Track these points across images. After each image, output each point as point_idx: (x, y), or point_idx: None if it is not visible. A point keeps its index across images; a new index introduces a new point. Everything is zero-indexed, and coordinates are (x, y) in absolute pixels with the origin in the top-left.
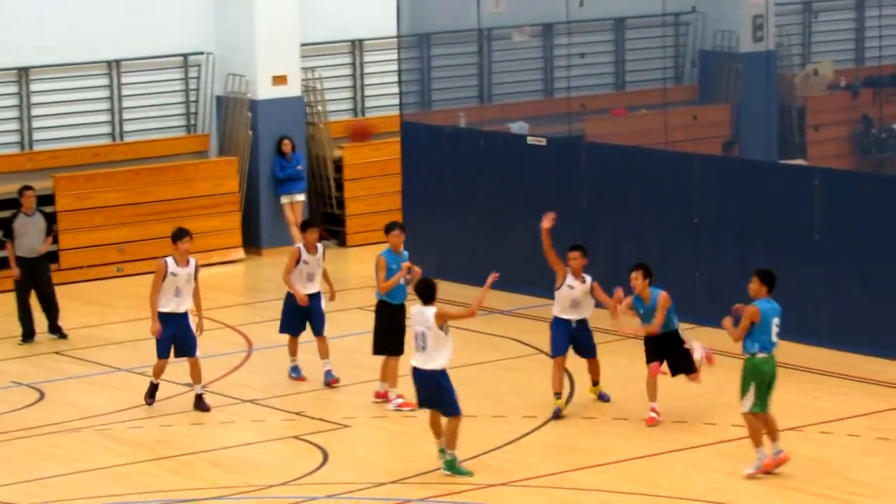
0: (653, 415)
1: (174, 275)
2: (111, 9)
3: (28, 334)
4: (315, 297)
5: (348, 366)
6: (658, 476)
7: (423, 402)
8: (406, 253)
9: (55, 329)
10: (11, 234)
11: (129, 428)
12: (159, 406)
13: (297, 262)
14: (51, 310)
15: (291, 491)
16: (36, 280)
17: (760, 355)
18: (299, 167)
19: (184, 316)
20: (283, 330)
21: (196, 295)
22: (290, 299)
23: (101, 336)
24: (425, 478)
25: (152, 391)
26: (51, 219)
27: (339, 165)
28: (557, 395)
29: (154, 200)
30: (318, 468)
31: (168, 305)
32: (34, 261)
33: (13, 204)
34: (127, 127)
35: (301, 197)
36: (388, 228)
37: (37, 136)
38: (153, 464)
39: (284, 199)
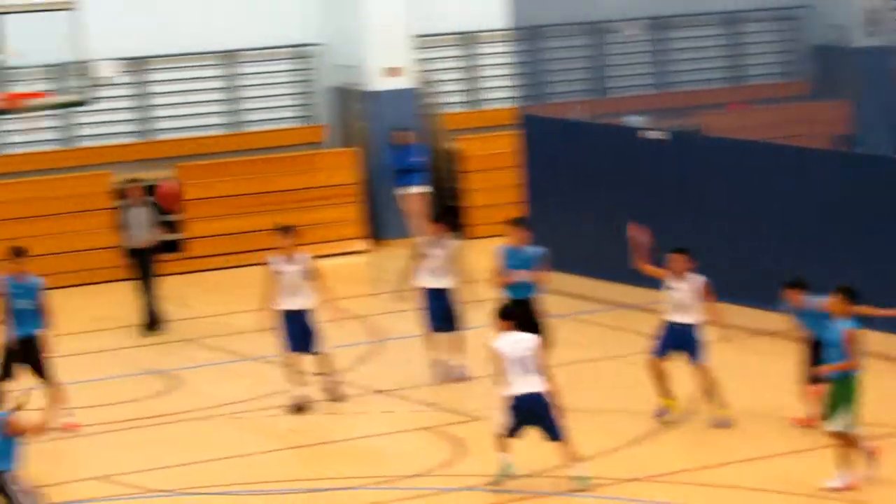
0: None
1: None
2: (228, 0)
3: (149, 325)
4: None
5: (479, 358)
6: (796, 474)
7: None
8: (537, 250)
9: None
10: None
11: (263, 416)
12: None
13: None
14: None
15: (423, 482)
16: (139, 271)
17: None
18: (418, 159)
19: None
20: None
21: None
22: (425, 296)
23: (230, 324)
24: (558, 471)
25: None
26: (156, 211)
27: (457, 157)
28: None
29: (273, 191)
30: (450, 460)
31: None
32: (139, 252)
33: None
34: (244, 117)
35: (419, 188)
36: (511, 223)
37: (158, 125)
38: (286, 452)
39: (403, 191)
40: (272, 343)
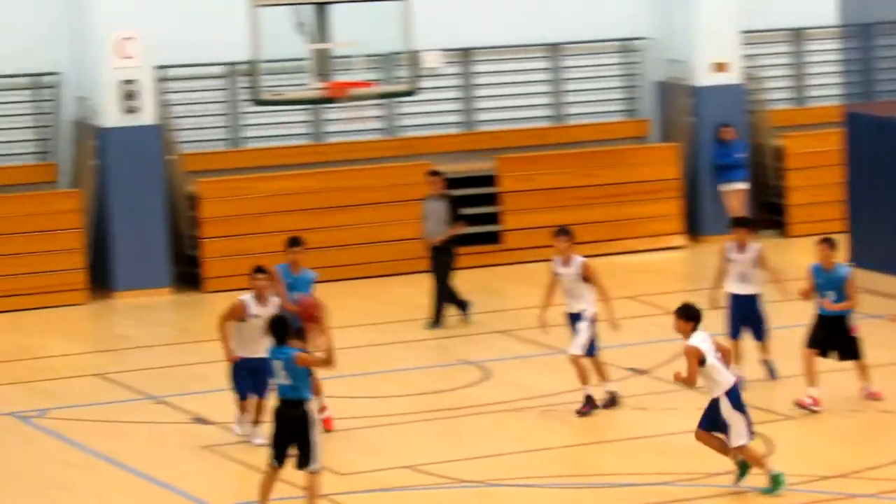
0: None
1: None
2: None
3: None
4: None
5: (795, 357)
6: None
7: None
8: (845, 269)
9: (437, 320)
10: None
11: (574, 410)
12: (601, 389)
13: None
14: (437, 298)
15: (727, 480)
16: (433, 265)
17: None
18: (740, 155)
19: None
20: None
21: None
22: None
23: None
24: (875, 473)
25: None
26: (454, 204)
27: (779, 154)
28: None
29: (595, 184)
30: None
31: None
32: (433, 246)
33: (458, 182)
34: (568, 110)
35: (742, 185)
36: (823, 242)
37: (480, 116)
38: (596, 447)
39: (725, 187)
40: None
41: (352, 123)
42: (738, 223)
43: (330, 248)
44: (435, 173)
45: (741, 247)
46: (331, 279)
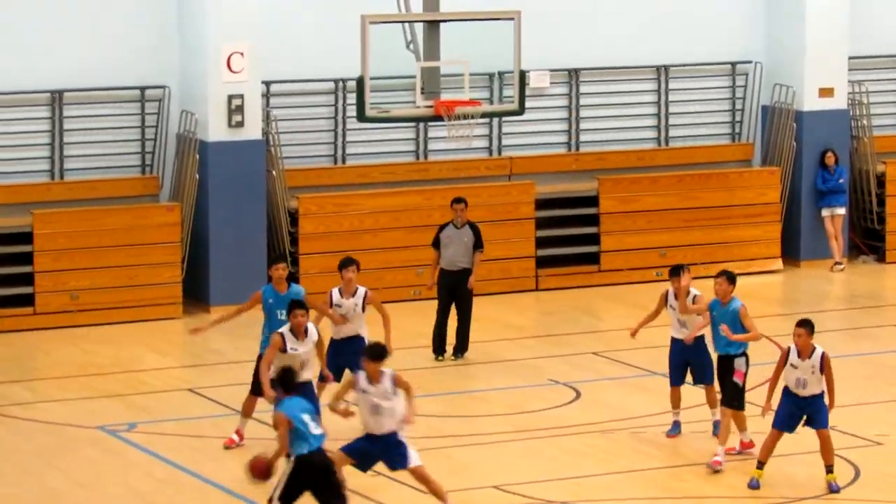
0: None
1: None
2: (661, 14)
3: (438, 349)
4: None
5: (886, 383)
6: None
7: None
8: None
9: (460, 349)
10: (438, 243)
11: (663, 432)
12: (691, 412)
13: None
14: (462, 327)
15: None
16: (455, 293)
17: None
18: (842, 180)
19: None
20: None
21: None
22: None
23: (638, 339)
24: None
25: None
26: (478, 233)
27: (881, 181)
28: None
29: (696, 207)
30: (848, 485)
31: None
32: (456, 273)
33: (559, 203)
34: (672, 133)
35: (842, 210)
36: None
37: (584, 137)
38: (685, 469)
39: (825, 212)
40: None
41: (456, 142)
42: (674, 272)
43: (429, 265)
44: (459, 200)
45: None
46: (429, 297)
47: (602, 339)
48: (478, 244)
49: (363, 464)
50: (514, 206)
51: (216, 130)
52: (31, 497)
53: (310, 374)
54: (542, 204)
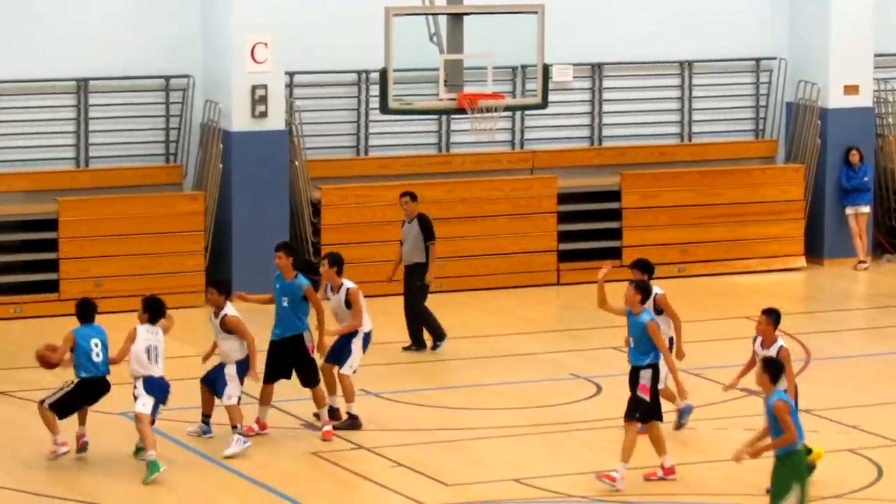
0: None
1: None
2: (686, 9)
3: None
4: None
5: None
6: None
7: None
8: None
9: (416, 342)
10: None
11: (684, 429)
12: (712, 409)
13: None
14: (410, 320)
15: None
16: (406, 287)
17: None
18: (866, 178)
19: None
20: None
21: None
22: None
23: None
24: None
25: None
26: (426, 225)
27: None
28: None
29: (719, 203)
30: (871, 484)
31: None
32: (409, 268)
33: (581, 197)
34: (695, 128)
35: (866, 209)
36: None
37: (606, 132)
38: (705, 466)
39: (849, 210)
40: (702, 355)
41: (479, 135)
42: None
43: (450, 258)
44: (405, 194)
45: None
46: (450, 290)
47: (623, 334)
48: (428, 236)
49: None
50: (536, 199)
51: (240, 120)
52: (54, 482)
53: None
54: (564, 198)
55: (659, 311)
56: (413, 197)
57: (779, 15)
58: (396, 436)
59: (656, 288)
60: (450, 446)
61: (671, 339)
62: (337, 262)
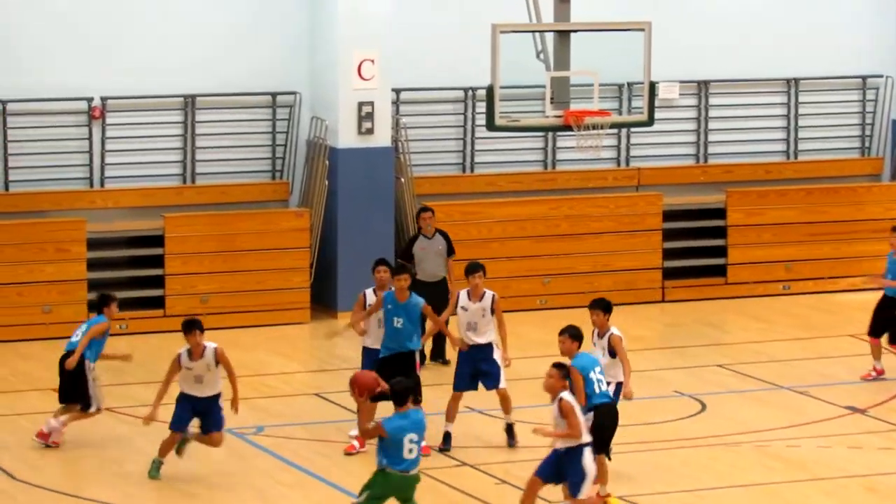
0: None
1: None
2: (792, 27)
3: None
4: None
5: None
6: None
7: None
8: None
9: (438, 355)
10: (411, 257)
11: (787, 447)
12: (816, 427)
13: None
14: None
15: None
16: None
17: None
18: None
19: None
20: None
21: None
22: None
23: (764, 352)
24: None
25: None
26: (449, 239)
27: None
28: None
29: (824, 221)
30: None
31: None
32: (432, 285)
33: (686, 215)
34: (801, 146)
35: None
36: None
37: (712, 149)
38: (807, 484)
39: None
40: (801, 372)
41: (584, 152)
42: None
43: (555, 275)
44: (426, 209)
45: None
46: (554, 307)
47: (727, 351)
48: (450, 250)
49: None
50: (641, 217)
51: (346, 137)
52: (159, 499)
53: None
54: (669, 215)
55: (612, 352)
56: (433, 212)
57: (885, 33)
58: (500, 453)
59: (613, 328)
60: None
61: (619, 384)
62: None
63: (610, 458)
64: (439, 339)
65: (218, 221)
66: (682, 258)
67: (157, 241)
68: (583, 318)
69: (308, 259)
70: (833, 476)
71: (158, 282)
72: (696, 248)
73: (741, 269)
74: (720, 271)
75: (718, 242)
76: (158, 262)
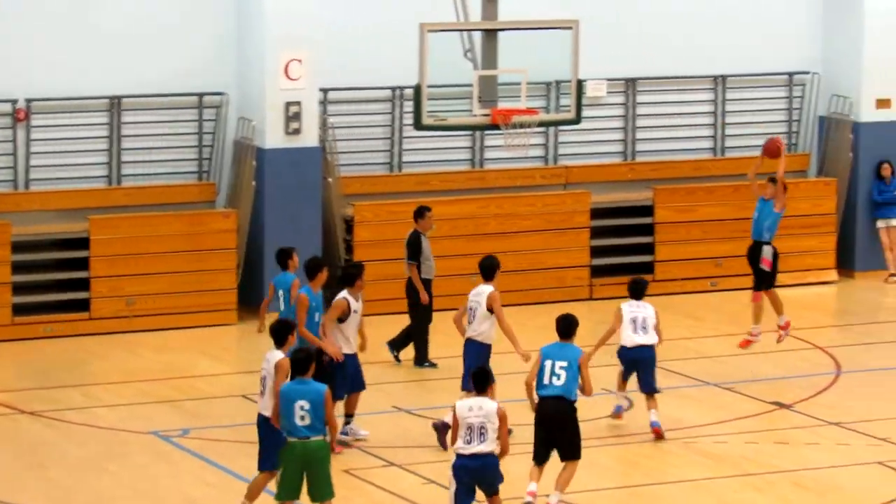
0: None
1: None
2: (719, 24)
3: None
4: None
5: None
6: None
7: None
8: None
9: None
10: (419, 255)
11: (714, 442)
12: (743, 423)
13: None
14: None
15: None
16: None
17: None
18: None
19: None
20: None
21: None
22: None
23: (692, 349)
24: None
25: None
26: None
27: None
28: None
29: (750, 217)
30: None
31: None
32: (429, 282)
33: (614, 212)
34: (728, 143)
35: None
36: None
37: (639, 146)
38: (736, 480)
39: (880, 224)
40: (731, 369)
41: (513, 150)
42: None
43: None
44: (428, 209)
45: None
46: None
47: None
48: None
49: None
50: (570, 215)
51: (273, 137)
52: (84, 502)
53: None
54: (597, 213)
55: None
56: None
57: (812, 29)
58: (427, 452)
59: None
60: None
61: None
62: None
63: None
64: (419, 342)
65: (144, 223)
66: (611, 256)
67: (83, 243)
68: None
69: (235, 260)
70: (761, 472)
71: (84, 284)
72: (625, 246)
73: (669, 266)
74: (648, 268)
75: (646, 240)
76: (84, 264)
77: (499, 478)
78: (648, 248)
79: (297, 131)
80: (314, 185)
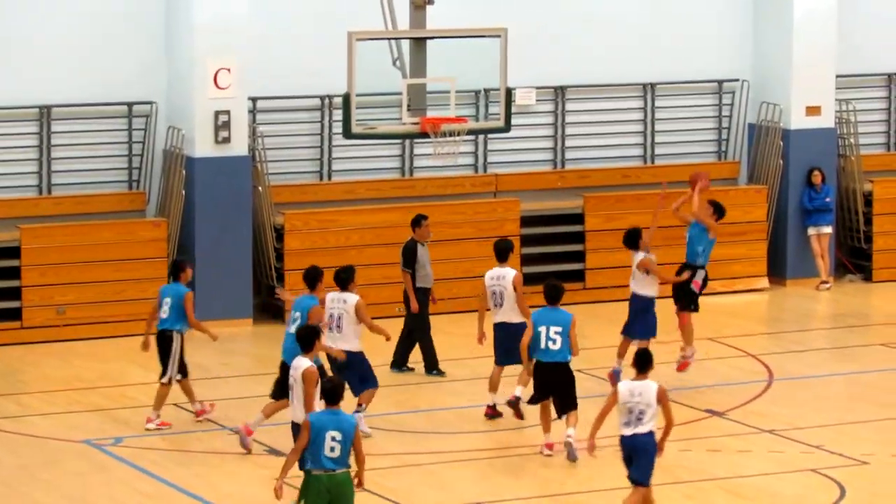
0: None
1: None
2: (648, 32)
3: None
4: None
5: (872, 403)
6: None
7: None
8: None
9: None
10: (414, 263)
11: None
12: (675, 430)
13: None
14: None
15: None
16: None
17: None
18: (828, 199)
19: None
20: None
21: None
22: None
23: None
24: None
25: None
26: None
27: (868, 199)
28: None
29: (682, 225)
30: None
31: None
32: (428, 291)
33: (544, 220)
34: (658, 150)
35: (828, 229)
36: None
37: (569, 154)
38: (669, 487)
39: (811, 231)
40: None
41: (442, 159)
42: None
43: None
44: (425, 217)
45: None
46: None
47: (586, 356)
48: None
49: None
50: (499, 223)
51: (203, 146)
52: None
53: None
54: (527, 221)
55: None
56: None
57: (741, 37)
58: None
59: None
60: (412, 470)
61: None
62: None
63: None
64: (402, 347)
65: (75, 232)
66: (541, 264)
67: (14, 252)
68: (439, 325)
69: (166, 269)
70: (694, 479)
71: (15, 293)
72: (555, 254)
73: (599, 274)
74: (578, 276)
75: (577, 248)
76: (15, 273)
77: (651, 457)
78: (579, 256)
79: (226, 140)
80: (244, 194)
